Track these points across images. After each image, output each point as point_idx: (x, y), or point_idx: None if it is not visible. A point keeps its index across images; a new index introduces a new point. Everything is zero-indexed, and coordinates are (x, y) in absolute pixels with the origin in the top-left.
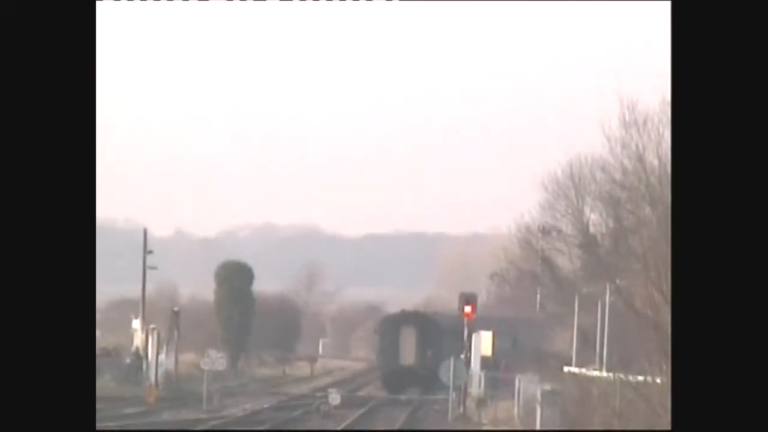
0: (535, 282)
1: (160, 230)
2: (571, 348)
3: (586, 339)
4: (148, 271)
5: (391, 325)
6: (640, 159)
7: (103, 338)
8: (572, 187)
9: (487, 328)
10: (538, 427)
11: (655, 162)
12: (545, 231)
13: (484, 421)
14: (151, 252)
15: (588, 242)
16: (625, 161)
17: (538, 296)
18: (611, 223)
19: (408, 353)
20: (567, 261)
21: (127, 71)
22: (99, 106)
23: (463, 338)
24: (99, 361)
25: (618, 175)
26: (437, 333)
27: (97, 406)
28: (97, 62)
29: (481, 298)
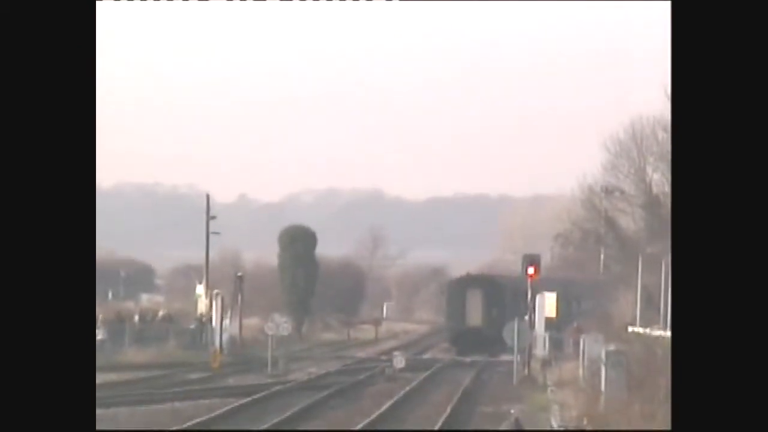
0: (599, 243)
1: (223, 196)
2: (635, 308)
3: (650, 299)
4: (211, 237)
5: (458, 288)
6: None
7: (167, 304)
8: (634, 147)
9: (551, 290)
10: (603, 388)
11: None
12: (608, 191)
13: (549, 383)
14: (214, 217)
15: (651, 202)
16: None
17: (602, 257)
18: None
19: (474, 315)
20: (630, 221)
21: (190, 47)
22: (162, 79)
23: (527, 300)
24: (164, 327)
25: None
26: (502, 295)
27: (163, 371)
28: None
29: (545, 260)
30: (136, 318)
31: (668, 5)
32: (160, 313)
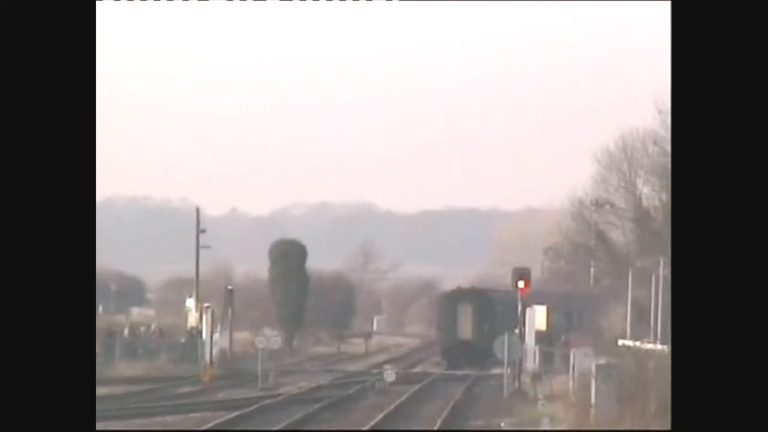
0: (589, 256)
1: (214, 210)
2: (626, 322)
3: (641, 313)
4: (202, 251)
5: (449, 301)
6: None
7: (158, 318)
8: (625, 160)
9: (541, 303)
10: (593, 402)
11: None
12: (598, 205)
13: (540, 396)
14: (204, 231)
15: (641, 216)
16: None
17: (592, 270)
18: (664, 196)
19: (465, 328)
20: (620, 235)
21: (182, 56)
22: (154, 91)
23: (517, 313)
24: (155, 341)
25: (670, 148)
26: (493, 308)
27: (153, 385)
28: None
29: (536, 273)
30: (126, 332)
31: (663, 13)
32: (152, 327)
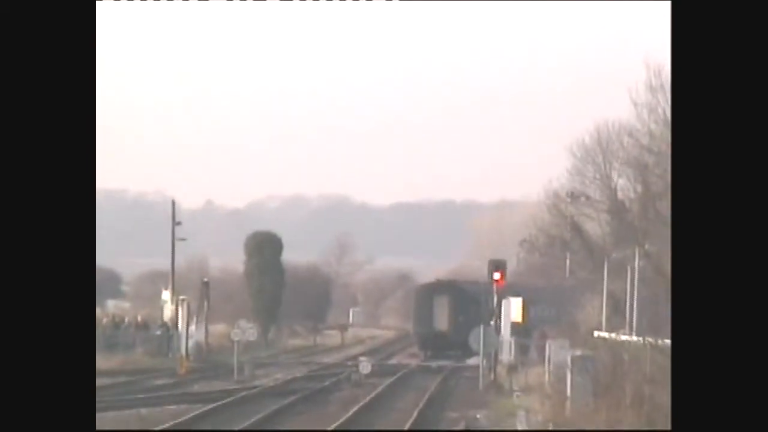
0: (565, 248)
1: (189, 202)
2: (602, 313)
3: (616, 304)
4: (177, 243)
5: (425, 294)
6: (667, 123)
7: (134, 310)
8: (600, 153)
9: (517, 295)
10: (568, 393)
11: None
12: (574, 197)
13: (515, 388)
14: (179, 224)
15: (616, 208)
16: (653, 126)
17: (568, 262)
18: (639, 188)
19: (441, 320)
20: (596, 227)
21: (156, 50)
22: (128, 83)
23: (493, 305)
24: (131, 334)
25: (645, 140)
26: (469, 300)
27: (129, 378)
28: (126, 40)
29: (511, 266)
30: (105, 322)
31: (637, 7)
32: (126, 320)
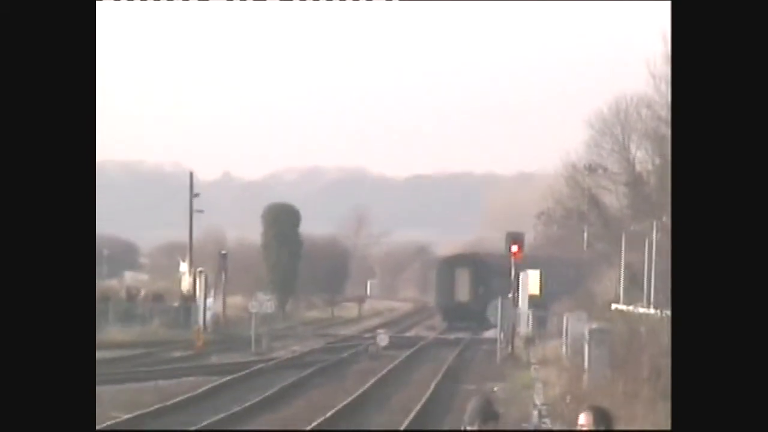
0: (582, 220)
1: (207, 174)
2: (619, 286)
3: (634, 277)
4: (195, 215)
5: (447, 266)
6: None
7: (151, 282)
8: (618, 125)
9: (534, 268)
10: (586, 366)
11: None
12: (592, 169)
13: (533, 361)
14: (197, 195)
15: (634, 180)
16: (671, 98)
17: (585, 235)
18: (657, 160)
19: (462, 291)
20: (614, 199)
21: (177, 24)
22: (147, 56)
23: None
24: (148, 306)
25: (663, 112)
26: (489, 273)
27: (147, 350)
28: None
29: (529, 238)
30: (124, 294)
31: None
32: (142, 292)
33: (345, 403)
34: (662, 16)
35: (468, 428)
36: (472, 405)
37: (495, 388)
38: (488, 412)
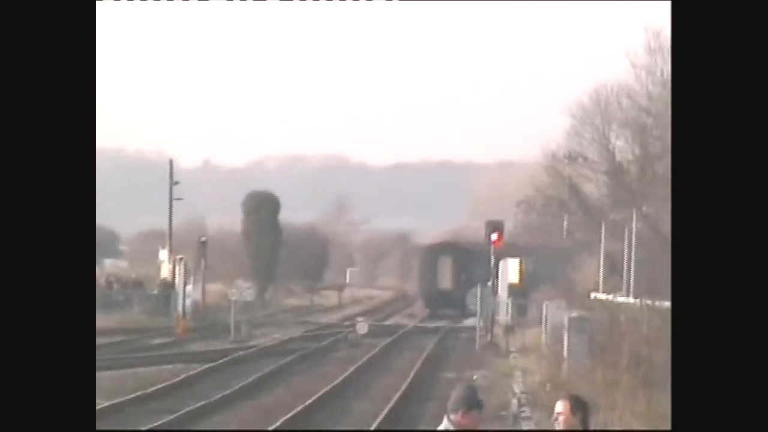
0: (563, 209)
1: (187, 161)
2: (599, 275)
3: (614, 266)
4: (175, 203)
5: (430, 254)
6: (665, 85)
7: (131, 270)
8: (598, 114)
9: (514, 256)
10: (565, 355)
11: None
12: (572, 158)
13: (512, 349)
14: (177, 183)
15: (614, 169)
16: (651, 87)
17: (565, 223)
18: (637, 150)
19: (445, 279)
20: (594, 188)
21: (155, 8)
22: (128, 43)
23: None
24: (128, 293)
25: (644, 102)
26: (471, 261)
27: (126, 337)
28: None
29: (509, 227)
30: (103, 282)
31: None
32: (121, 279)
33: (325, 390)
34: (643, 7)
35: (451, 416)
36: (456, 393)
37: (475, 376)
38: (472, 400)
